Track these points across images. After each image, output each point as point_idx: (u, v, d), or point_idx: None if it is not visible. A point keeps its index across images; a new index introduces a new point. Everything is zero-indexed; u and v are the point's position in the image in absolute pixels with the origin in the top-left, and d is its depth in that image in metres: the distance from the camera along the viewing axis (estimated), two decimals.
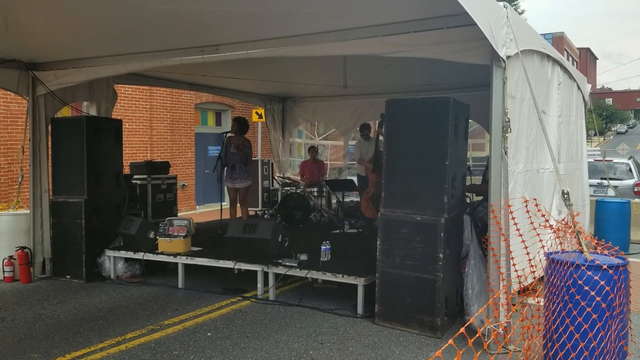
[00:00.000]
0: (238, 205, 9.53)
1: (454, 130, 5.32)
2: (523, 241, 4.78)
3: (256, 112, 14.96)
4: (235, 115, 13.95)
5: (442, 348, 1.88)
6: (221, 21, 5.87)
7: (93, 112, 8.53)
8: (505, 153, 4.82)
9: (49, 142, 7.86)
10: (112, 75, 8.03)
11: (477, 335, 2.29)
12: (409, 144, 5.49)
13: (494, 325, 4.24)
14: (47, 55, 7.46)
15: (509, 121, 4.79)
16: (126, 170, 9.88)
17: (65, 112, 9.41)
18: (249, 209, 9.95)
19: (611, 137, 65.00)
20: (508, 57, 4.78)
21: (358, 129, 11.12)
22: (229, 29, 6.14)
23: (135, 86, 12.84)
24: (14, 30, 6.18)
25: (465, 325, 2.33)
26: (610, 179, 12.59)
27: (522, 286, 4.81)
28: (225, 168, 9.23)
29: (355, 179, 11.66)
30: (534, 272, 4.67)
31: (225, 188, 9.57)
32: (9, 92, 9.02)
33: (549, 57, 6.43)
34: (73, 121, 7.96)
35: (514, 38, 4.79)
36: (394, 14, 5.35)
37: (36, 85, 7.68)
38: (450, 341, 2.04)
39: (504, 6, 4.75)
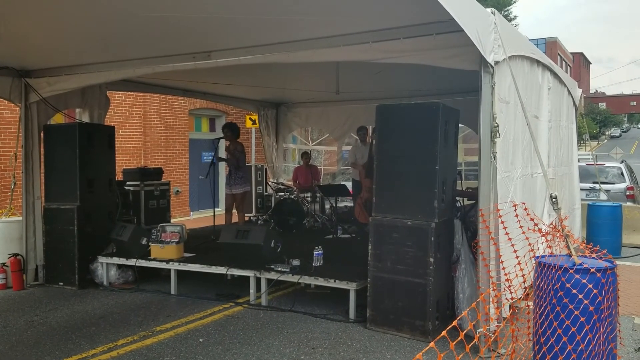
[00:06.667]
0: (234, 211, 9.54)
1: (443, 135, 5.36)
2: (512, 245, 4.82)
3: (250, 118, 15.00)
4: (229, 121, 13.99)
5: (423, 350, 1.90)
6: (213, 28, 5.90)
7: (86, 118, 8.54)
8: (494, 158, 4.87)
9: (42, 149, 7.87)
10: (104, 81, 8.04)
11: (458, 339, 2.31)
12: (399, 149, 5.53)
13: (477, 330, 4.27)
14: (39, 62, 7.48)
15: (497, 126, 4.84)
16: (119, 176, 9.88)
17: (58, 118, 9.40)
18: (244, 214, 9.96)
19: (605, 141, 65.27)
20: (496, 62, 4.83)
21: (356, 131, 11.18)
22: (220, 36, 6.18)
23: (129, 92, 12.85)
24: (6, 38, 6.20)
25: (448, 329, 2.36)
26: (602, 182, 12.66)
27: (513, 290, 4.84)
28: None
29: (348, 184, 11.69)
30: (523, 275, 4.70)
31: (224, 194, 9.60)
32: (1, 100, 9.03)
33: (538, 62, 6.48)
34: (66, 128, 7.96)
35: (502, 44, 4.83)
36: (383, 21, 5.39)
37: (29, 92, 7.69)
38: (432, 344, 2.06)
39: (492, 12, 4.80)
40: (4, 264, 7.48)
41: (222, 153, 9.35)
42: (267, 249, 6.72)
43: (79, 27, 5.95)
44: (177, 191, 15.03)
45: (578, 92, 9.68)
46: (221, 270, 6.76)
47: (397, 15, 5.24)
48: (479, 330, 4.41)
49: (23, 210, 7.75)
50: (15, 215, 8.15)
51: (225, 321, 5.98)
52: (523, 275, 4.67)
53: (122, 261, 7.46)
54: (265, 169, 13.32)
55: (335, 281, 6.07)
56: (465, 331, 2.51)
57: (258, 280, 6.54)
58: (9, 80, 7.61)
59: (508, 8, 40.85)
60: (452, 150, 5.73)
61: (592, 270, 3.68)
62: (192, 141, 15.90)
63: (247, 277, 6.61)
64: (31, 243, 7.74)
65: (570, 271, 3.71)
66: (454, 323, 2.48)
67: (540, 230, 4.66)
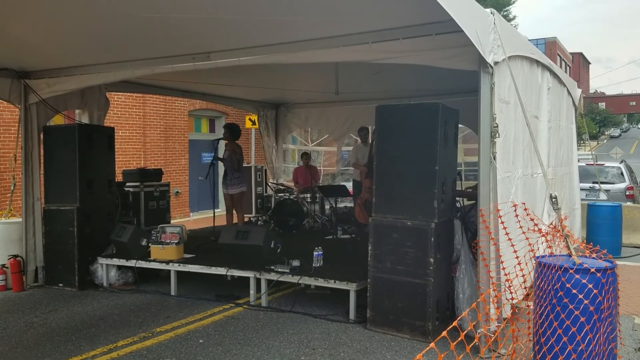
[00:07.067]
0: (234, 211, 9.53)
1: (443, 136, 5.36)
2: (512, 245, 4.82)
3: (249, 119, 14.99)
4: (229, 121, 13.99)
5: (424, 351, 1.90)
6: (212, 29, 5.90)
7: (85, 120, 8.54)
8: (494, 158, 4.86)
9: (41, 150, 7.86)
10: (103, 82, 8.04)
11: (459, 339, 2.31)
12: (399, 150, 5.54)
13: (478, 330, 4.27)
14: (39, 63, 7.48)
15: (497, 126, 4.84)
16: (119, 177, 9.88)
17: (58, 120, 9.41)
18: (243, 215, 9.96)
19: (605, 141, 65.27)
20: (496, 63, 4.83)
21: (357, 131, 11.17)
22: (220, 37, 6.18)
23: (128, 94, 12.85)
24: (5, 39, 6.20)
25: (448, 329, 2.35)
26: (602, 182, 12.65)
27: (513, 291, 4.84)
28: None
29: (348, 184, 11.68)
30: (523, 276, 4.70)
31: (222, 194, 9.59)
32: (1, 101, 9.02)
33: (538, 62, 6.48)
34: (65, 129, 7.96)
35: (502, 44, 4.83)
36: (383, 21, 5.39)
37: (28, 93, 7.69)
38: (432, 344, 2.06)
39: (491, 13, 4.80)
40: (3, 266, 7.48)
41: (222, 153, 9.31)
42: (267, 250, 6.72)
43: (78, 28, 5.95)
44: (177, 192, 15.02)
45: (577, 92, 9.68)
46: (221, 271, 6.76)
47: (397, 16, 5.24)
48: (479, 331, 4.41)
49: (23, 211, 7.74)
50: (15, 216, 8.15)
51: (225, 322, 5.97)
52: (523, 276, 4.67)
53: (122, 262, 7.46)
54: (265, 170, 13.31)
55: (335, 282, 6.06)
56: (465, 331, 2.51)
57: (258, 281, 6.54)
58: (9, 82, 7.61)
59: (507, 8, 40.89)
60: (451, 150, 5.73)
61: (592, 270, 3.67)
62: (191, 142, 15.90)
63: (247, 278, 6.61)
64: (31, 244, 7.74)
65: (571, 271, 3.70)
66: (454, 323, 2.48)
67: (540, 230, 4.66)
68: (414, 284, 5.33)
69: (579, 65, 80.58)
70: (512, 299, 4.79)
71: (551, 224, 4.54)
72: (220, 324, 5.92)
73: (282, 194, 11.17)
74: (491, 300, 4.67)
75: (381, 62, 5.82)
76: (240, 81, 9.34)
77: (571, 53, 79.07)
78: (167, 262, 7.15)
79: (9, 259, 7.47)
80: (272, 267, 6.48)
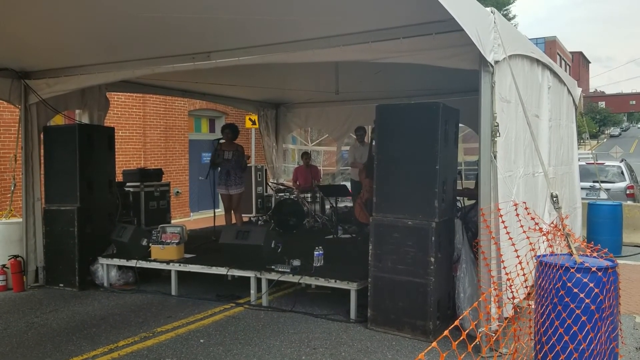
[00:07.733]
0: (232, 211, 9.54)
1: (443, 135, 5.36)
2: (513, 244, 4.81)
3: (249, 119, 14.99)
4: (229, 121, 13.99)
5: (426, 350, 1.90)
6: (212, 29, 5.90)
7: (85, 120, 8.54)
8: (495, 157, 4.86)
9: (42, 151, 7.86)
10: (104, 83, 8.04)
11: (460, 338, 2.31)
12: (399, 149, 5.53)
13: (479, 329, 4.27)
14: (39, 63, 7.47)
15: (497, 125, 4.83)
16: (119, 177, 9.87)
17: (58, 120, 9.40)
18: (242, 215, 9.96)
19: (605, 140, 65.27)
20: (496, 62, 4.83)
21: (354, 131, 11.17)
22: (220, 36, 6.17)
23: (129, 94, 12.84)
24: (5, 39, 6.19)
25: (449, 329, 2.35)
26: (603, 181, 12.65)
27: (514, 290, 4.84)
28: (218, 173, 9.25)
29: (348, 184, 11.68)
30: (525, 275, 4.69)
31: (219, 195, 9.59)
32: (1, 101, 9.02)
33: (538, 61, 6.48)
34: (65, 129, 7.96)
35: (502, 43, 4.83)
36: (383, 21, 5.39)
37: (28, 93, 7.68)
38: (434, 344, 2.06)
39: (492, 12, 4.80)
40: (4, 266, 7.48)
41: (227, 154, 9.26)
42: (268, 250, 6.72)
43: (78, 28, 5.95)
44: (177, 192, 15.02)
45: (578, 91, 9.68)
46: (222, 271, 6.76)
47: (397, 15, 5.24)
48: (480, 330, 4.40)
49: (23, 211, 7.74)
50: (15, 216, 8.14)
51: (226, 322, 5.97)
52: (524, 275, 4.66)
53: (123, 262, 7.46)
54: (265, 170, 13.31)
55: (335, 281, 6.06)
56: (467, 331, 2.50)
57: (259, 280, 6.54)
58: (9, 82, 7.60)
59: (507, 7, 40.91)
60: (452, 150, 5.72)
61: (593, 269, 3.67)
62: (191, 142, 15.89)
63: (248, 278, 6.60)
64: (31, 244, 7.73)
65: (572, 270, 3.70)
66: (456, 323, 2.47)
67: (541, 229, 4.66)
68: (414, 284, 5.33)
69: (579, 64, 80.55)
70: (514, 298, 4.79)
71: (552, 223, 4.53)
72: (221, 323, 5.92)
73: (283, 194, 11.16)
74: (492, 299, 4.66)
75: (381, 61, 5.81)
76: (241, 81, 9.34)
77: (571, 52, 79.04)
78: (168, 262, 7.15)
79: (9, 259, 7.46)
80: (272, 267, 6.48)
